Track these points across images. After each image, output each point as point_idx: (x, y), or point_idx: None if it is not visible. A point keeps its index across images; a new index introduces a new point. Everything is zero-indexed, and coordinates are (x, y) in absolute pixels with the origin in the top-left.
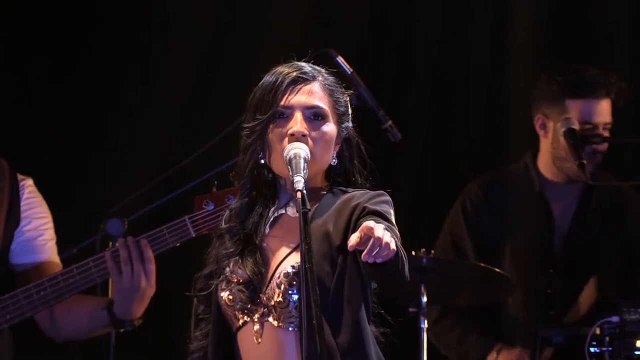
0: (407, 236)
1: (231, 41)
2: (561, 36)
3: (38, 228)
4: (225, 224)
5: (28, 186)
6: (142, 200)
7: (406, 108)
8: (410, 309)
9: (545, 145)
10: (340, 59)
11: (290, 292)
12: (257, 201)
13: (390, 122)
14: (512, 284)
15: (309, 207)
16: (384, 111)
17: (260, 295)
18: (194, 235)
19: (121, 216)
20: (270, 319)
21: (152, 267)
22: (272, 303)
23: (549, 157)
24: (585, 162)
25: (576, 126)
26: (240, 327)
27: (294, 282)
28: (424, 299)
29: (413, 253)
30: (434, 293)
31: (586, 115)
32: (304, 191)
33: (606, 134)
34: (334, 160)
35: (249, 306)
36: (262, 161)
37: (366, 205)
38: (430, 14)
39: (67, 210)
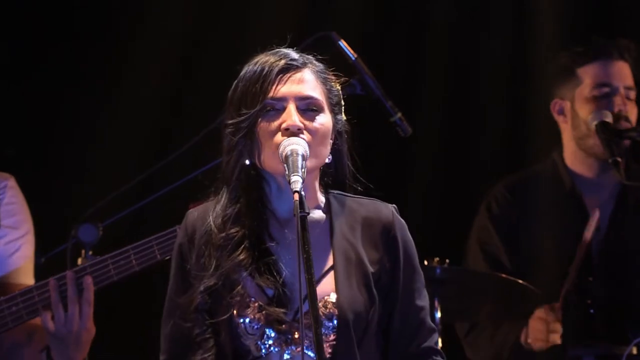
0: (417, 244)
1: (219, 32)
2: (588, 24)
3: (15, 241)
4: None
5: (10, 188)
6: (117, 204)
7: (418, 100)
8: None
9: (567, 132)
10: (343, 43)
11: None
12: (249, 206)
13: (399, 115)
14: (539, 297)
15: (307, 210)
16: (393, 102)
17: (295, 324)
18: None
19: (95, 221)
20: (311, 352)
21: (89, 310)
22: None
23: (574, 145)
24: (619, 159)
25: (609, 119)
26: (261, 357)
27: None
28: (438, 315)
29: (426, 263)
30: (449, 308)
31: (601, 77)
32: (302, 192)
33: (632, 100)
34: (329, 157)
35: (281, 335)
36: (248, 162)
37: (406, 244)
38: None
39: (36, 214)
